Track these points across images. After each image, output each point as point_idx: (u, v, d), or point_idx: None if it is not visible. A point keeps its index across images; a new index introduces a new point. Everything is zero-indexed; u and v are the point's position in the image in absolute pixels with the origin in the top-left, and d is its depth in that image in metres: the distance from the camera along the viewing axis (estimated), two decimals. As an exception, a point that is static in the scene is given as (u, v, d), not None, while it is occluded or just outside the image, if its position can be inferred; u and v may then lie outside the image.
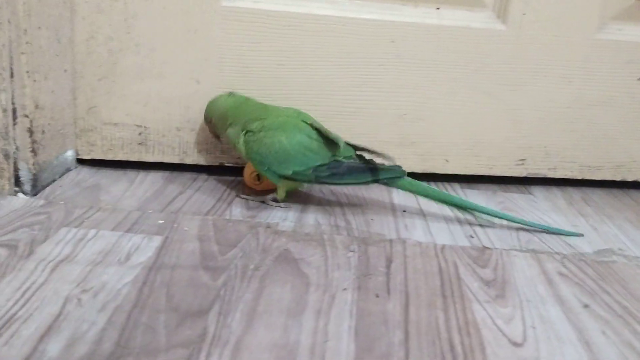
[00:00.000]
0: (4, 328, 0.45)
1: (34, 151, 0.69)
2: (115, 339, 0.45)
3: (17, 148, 0.67)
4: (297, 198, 0.77)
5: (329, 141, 0.70)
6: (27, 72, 0.66)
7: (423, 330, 0.49)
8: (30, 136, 0.68)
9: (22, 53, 0.65)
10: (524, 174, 0.88)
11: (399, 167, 0.72)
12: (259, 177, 0.77)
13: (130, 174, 0.81)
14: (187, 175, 0.83)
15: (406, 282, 0.57)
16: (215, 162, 0.84)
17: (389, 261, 0.61)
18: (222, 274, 0.56)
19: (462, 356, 0.46)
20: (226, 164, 0.84)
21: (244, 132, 0.70)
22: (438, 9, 0.81)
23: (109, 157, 0.81)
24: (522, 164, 0.88)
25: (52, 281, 0.52)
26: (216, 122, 0.74)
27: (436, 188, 0.79)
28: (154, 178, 0.81)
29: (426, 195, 0.73)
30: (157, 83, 0.78)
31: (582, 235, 0.71)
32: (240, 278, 0.55)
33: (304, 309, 0.51)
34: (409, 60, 0.81)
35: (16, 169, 0.68)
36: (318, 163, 0.69)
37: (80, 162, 0.82)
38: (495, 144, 0.86)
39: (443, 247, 0.66)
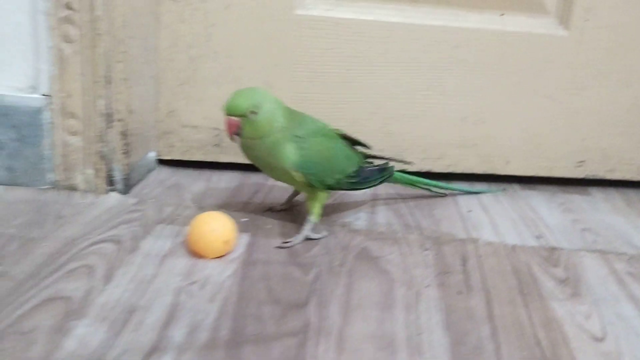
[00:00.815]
0: (129, 315, 0.49)
1: (125, 152, 0.74)
2: (230, 328, 0.49)
3: (111, 150, 0.72)
4: (364, 191, 0.81)
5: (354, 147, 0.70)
6: (123, 79, 0.70)
7: (509, 325, 0.52)
8: (123, 139, 0.73)
9: (119, 61, 0.69)
10: (582, 176, 0.91)
11: (387, 163, 0.74)
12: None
13: (206, 173, 0.86)
14: (260, 176, 0.87)
15: (484, 281, 0.60)
16: (284, 163, 0.88)
17: (464, 260, 0.65)
18: (310, 269, 0.60)
19: (549, 350, 0.49)
20: (295, 165, 0.88)
21: (292, 137, 0.61)
22: (502, 15, 0.84)
23: (186, 157, 0.86)
24: (581, 166, 0.90)
25: (161, 274, 0.57)
26: (260, 120, 0.59)
27: (415, 177, 0.79)
28: (229, 178, 0.85)
29: (412, 183, 0.79)
30: (233, 87, 0.82)
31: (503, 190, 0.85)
32: (328, 274, 0.59)
33: (393, 303, 0.55)
34: (473, 64, 0.84)
35: (110, 170, 0.73)
36: (353, 169, 0.68)
37: (160, 162, 0.87)
38: (555, 146, 0.89)
39: (513, 247, 0.69)
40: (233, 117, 0.59)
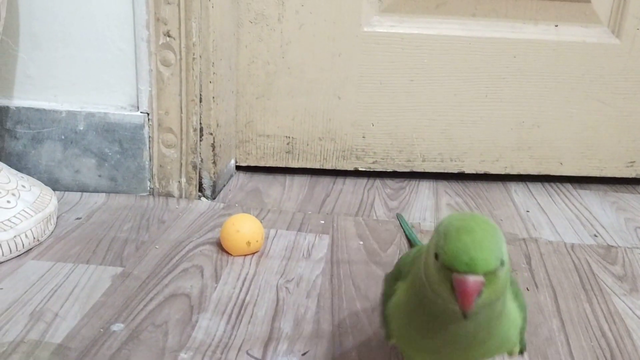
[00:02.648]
0: (243, 309, 0.57)
1: (214, 162, 0.82)
2: (329, 321, 0.56)
3: (202, 160, 0.80)
4: (427, 195, 0.88)
5: None
6: (213, 97, 0.78)
7: (575, 319, 0.58)
8: (213, 150, 0.81)
9: (210, 82, 0.77)
10: (633, 175, 0.95)
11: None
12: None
13: (280, 178, 0.94)
14: (327, 179, 0.94)
15: (549, 278, 0.66)
16: (350, 167, 0.95)
17: (528, 258, 0.71)
18: (390, 269, 0.67)
19: (614, 341, 0.55)
20: (360, 169, 0.95)
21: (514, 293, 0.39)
22: (556, 26, 0.89)
23: (262, 164, 0.94)
24: (632, 166, 0.95)
25: (260, 273, 0.64)
26: (505, 272, 0.35)
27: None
28: (301, 182, 0.93)
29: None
30: (304, 99, 0.90)
31: None
32: (407, 272, 0.66)
33: (468, 298, 0.61)
34: (529, 73, 0.89)
35: (200, 178, 0.81)
36: None
37: (237, 168, 0.95)
38: (607, 148, 0.93)
39: (572, 245, 0.74)
40: (475, 277, 0.32)
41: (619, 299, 0.62)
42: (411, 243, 0.73)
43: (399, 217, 0.80)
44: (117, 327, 0.54)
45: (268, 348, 0.52)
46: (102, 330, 0.53)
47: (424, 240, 0.73)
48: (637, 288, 0.65)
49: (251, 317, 0.56)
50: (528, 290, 0.63)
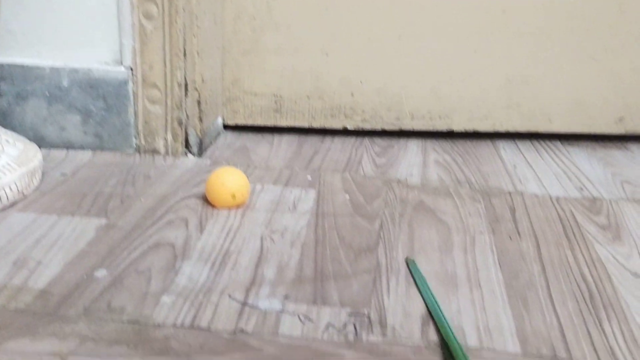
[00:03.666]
0: (226, 258, 0.58)
1: (200, 119, 0.81)
2: (312, 267, 0.57)
3: (187, 117, 0.80)
4: (415, 152, 0.88)
5: None
6: (197, 52, 0.77)
7: (556, 264, 0.59)
8: (198, 106, 0.80)
9: (194, 36, 0.76)
10: (622, 132, 0.95)
11: None
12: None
13: (268, 137, 0.93)
14: (316, 138, 0.94)
15: (532, 227, 0.66)
16: (339, 126, 0.94)
17: (513, 210, 0.71)
18: (375, 219, 0.67)
19: (594, 285, 0.55)
20: (348, 128, 0.94)
21: None
22: (546, -20, 0.87)
23: (249, 122, 0.93)
24: (621, 122, 0.94)
25: (245, 224, 0.65)
26: None
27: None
28: (289, 140, 0.92)
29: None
30: (292, 57, 0.89)
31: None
32: (391, 223, 0.66)
33: (451, 247, 0.62)
34: (518, 28, 0.89)
35: (186, 134, 0.81)
36: None
37: (225, 127, 0.94)
38: (596, 104, 0.93)
39: (558, 198, 0.75)
40: None
41: (601, 247, 0.63)
42: (430, 311, 0.51)
43: (409, 263, 0.58)
44: (101, 273, 0.54)
45: (250, 292, 0.52)
46: (85, 276, 0.53)
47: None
48: (620, 236, 0.65)
49: (235, 264, 0.57)
50: (511, 239, 0.64)
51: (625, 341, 0.47)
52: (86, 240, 0.60)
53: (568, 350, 0.46)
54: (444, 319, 0.50)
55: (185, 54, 0.77)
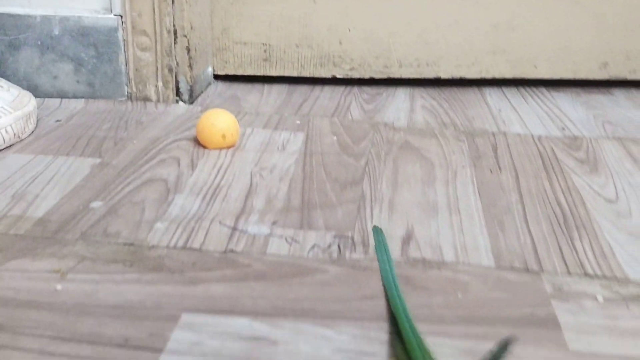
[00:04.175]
0: (217, 192, 0.60)
1: (190, 66, 0.83)
2: (299, 198, 0.59)
3: (177, 63, 0.81)
4: (403, 99, 0.89)
5: None
6: (185, -2, 0.79)
7: (534, 192, 0.61)
8: (188, 53, 0.82)
9: (182, -18, 0.77)
10: (606, 77, 0.97)
11: None
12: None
13: (258, 86, 0.95)
14: (305, 87, 0.96)
15: (513, 162, 0.69)
16: (328, 75, 0.96)
17: (495, 147, 0.73)
18: (361, 157, 0.69)
19: (568, 209, 0.58)
20: (337, 76, 0.96)
21: None
22: None
23: (239, 72, 0.95)
24: (605, 68, 0.96)
25: (235, 163, 0.67)
26: None
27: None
28: (279, 89, 0.94)
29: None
30: (280, 4, 0.90)
31: None
32: (377, 160, 0.69)
33: (434, 180, 0.64)
34: (503, -26, 0.90)
35: (177, 82, 0.82)
36: None
37: (215, 77, 0.96)
38: (580, 50, 0.95)
39: (540, 136, 0.77)
40: None
41: (578, 177, 0.65)
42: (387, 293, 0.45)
43: (375, 231, 0.53)
44: (96, 204, 0.56)
45: (240, 219, 0.55)
46: (81, 207, 0.56)
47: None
48: (597, 169, 0.68)
49: (225, 196, 0.59)
50: (491, 172, 0.66)
51: (594, 256, 0.50)
52: (81, 176, 0.62)
53: (539, 263, 0.49)
54: (398, 292, 0.44)
55: (173, 1, 0.78)
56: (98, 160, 0.65)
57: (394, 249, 0.51)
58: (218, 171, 0.65)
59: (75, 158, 0.66)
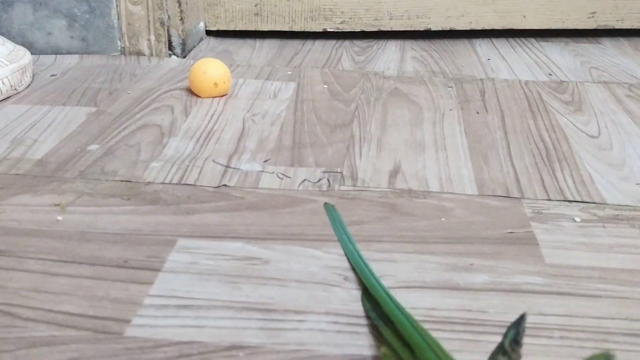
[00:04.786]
0: (210, 135, 0.62)
1: (182, 19, 0.84)
2: (290, 139, 0.61)
3: (169, 17, 0.82)
4: (394, 51, 0.91)
5: None
6: (175, -50, 0.79)
7: (518, 131, 0.63)
8: (179, 6, 0.82)
9: None
10: (594, 26, 0.98)
11: None
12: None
13: (250, 41, 0.96)
14: (297, 41, 0.96)
15: (500, 104, 0.70)
16: (319, 29, 0.97)
17: (482, 92, 0.75)
18: (351, 103, 0.71)
19: (551, 144, 0.60)
20: (328, 30, 0.97)
21: None
22: None
23: (231, 27, 0.95)
24: (593, 17, 0.97)
25: (228, 110, 0.68)
26: None
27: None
28: (270, 44, 0.95)
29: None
30: (270, -42, 0.91)
31: None
32: (366, 105, 0.70)
33: (422, 121, 0.66)
34: None
35: (169, 35, 0.83)
36: None
37: (207, 33, 0.97)
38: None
39: (527, 82, 0.78)
40: None
41: (562, 117, 0.67)
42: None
43: (328, 209, 0.48)
44: (93, 147, 0.58)
45: (232, 158, 0.57)
46: (79, 150, 0.57)
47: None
48: (581, 109, 0.69)
49: (218, 139, 0.61)
50: (478, 113, 0.68)
51: (574, 183, 0.52)
52: (78, 123, 0.63)
53: (521, 191, 0.51)
54: (362, 261, 0.41)
55: (163, -47, 0.78)
56: (94, 109, 0.67)
57: (382, 182, 0.53)
58: (211, 117, 0.66)
59: (71, 107, 0.67)
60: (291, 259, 0.42)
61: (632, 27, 0.98)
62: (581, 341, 0.35)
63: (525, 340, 0.34)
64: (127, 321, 0.36)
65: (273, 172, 0.54)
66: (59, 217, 0.46)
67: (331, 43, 0.96)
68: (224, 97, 0.72)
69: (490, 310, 0.37)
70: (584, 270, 0.41)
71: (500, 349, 0.26)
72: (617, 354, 0.17)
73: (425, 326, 0.36)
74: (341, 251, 0.43)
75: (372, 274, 0.39)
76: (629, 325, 0.36)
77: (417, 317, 0.36)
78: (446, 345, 0.33)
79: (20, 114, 0.65)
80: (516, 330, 0.27)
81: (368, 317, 0.37)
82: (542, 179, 0.53)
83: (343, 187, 0.52)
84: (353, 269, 0.41)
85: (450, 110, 0.69)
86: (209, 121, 0.65)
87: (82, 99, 0.70)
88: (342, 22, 0.96)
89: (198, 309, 0.37)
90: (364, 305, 0.38)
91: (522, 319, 0.27)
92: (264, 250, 0.43)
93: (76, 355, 0.33)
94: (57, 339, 0.34)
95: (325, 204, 0.49)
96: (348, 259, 0.42)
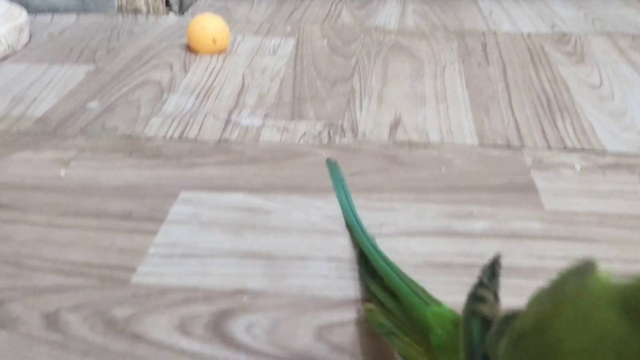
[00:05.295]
0: (209, 91, 0.61)
1: (178, -24, 0.82)
2: (291, 94, 0.61)
3: (165, -27, 0.81)
4: (394, 5, 0.89)
5: None
6: None
7: (520, 82, 0.63)
8: (175, -38, 0.81)
9: None
10: (599, -23, 0.96)
11: None
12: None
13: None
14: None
15: (501, 56, 0.70)
16: (318, -16, 0.95)
17: (484, 45, 0.74)
18: (352, 57, 0.70)
19: (552, 95, 0.60)
20: (328, -15, 0.95)
21: None
22: None
23: (229, -16, 0.94)
24: (598, -33, 0.95)
25: (227, 66, 0.68)
26: None
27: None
28: (269, 0, 0.94)
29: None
30: None
31: None
32: (367, 59, 0.70)
33: (422, 75, 0.65)
34: None
35: (166, -8, 0.82)
36: None
37: (205, -10, 0.95)
38: (573, -51, 0.93)
39: (529, 34, 0.77)
40: None
41: (564, 67, 0.66)
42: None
43: (330, 165, 0.48)
44: (93, 104, 0.58)
45: (233, 113, 0.57)
46: (79, 107, 0.57)
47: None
48: (583, 60, 0.69)
49: (218, 95, 0.61)
50: (480, 66, 0.67)
51: (575, 133, 0.52)
52: (77, 81, 0.63)
53: (521, 140, 0.51)
54: (358, 222, 0.40)
55: None
56: (92, 67, 0.67)
57: (382, 135, 0.53)
58: (210, 73, 0.66)
59: (70, 66, 0.67)
60: (292, 209, 0.42)
61: (638, -22, 0.96)
62: (578, 282, 0.35)
63: (524, 282, 0.35)
64: (133, 269, 0.36)
65: (273, 127, 0.54)
66: (62, 172, 0.46)
67: (331, -2, 0.95)
68: (223, 53, 0.71)
69: (488, 254, 0.38)
70: (583, 216, 0.41)
71: (479, 283, 0.26)
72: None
73: (425, 271, 0.36)
74: (342, 201, 0.43)
75: (363, 232, 0.39)
76: (626, 267, 0.36)
77: (416, 263, 0.37)
78: (445, 289, 0.34)
79: (19, 73, 0.65)
80: (492, 267, 0.27)
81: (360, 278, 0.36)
82: (542, 128, 0.53)
83: (344, 140, 0.52)
84: (347, 227, 0.41)
85: (452, 63, 0.68)
86: (209, 77, 0.65)
87: (80, 58, 0.69)
88: (341, -23, 0.94)
89: (202, 257, 0.38)
90: (359, 270, 0.37)
91: (497, 258, 0.28)
92: (265, 201, 0.43)
93: (84, 301, 0.34)
94: (64, 286, 0.35)
95: (328, 159, 0.48)
96: (344, 216, 0.42)
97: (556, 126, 0.53)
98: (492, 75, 0.65)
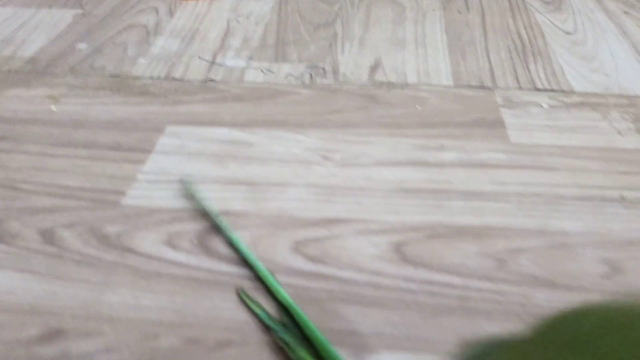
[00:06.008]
0: (195, 34, 0.63)
1: None
2: (274, 38, 0.62)
3: None
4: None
5: None
6: None
7: (497, 28, 0.65)
8: None
9: None
10: None
11: None
12: None
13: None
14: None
15: (481, 4, 0.71)
16: None
17: (466, -7, 0.75)
18: (335, 4, 0.72)
19: (528, 40, 0.62)
20: None
21: None
22: None
23: None
24: None
25: (212, 11, 0.69)
26: None
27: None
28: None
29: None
30: None
31: None
32: (350, 6, 0.71)
33: (404, 20, 0.67)
34: None
35: (152, -62, 0.82)
36: None
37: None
38: None
39: (510, -18, 0.79)
40: None
41: (541, 15, 0.68)
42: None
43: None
44: (82, 45, 0.59)
45: (218, 55, 0.58)
46: (68, 48, 0.59)
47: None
48: (560, 8, 0.70)
49: (203, 38, 0.62)
50: (460, 13, 0.69)
51: (546, 74, 0.55)
52: (65, 24, 0.64)
53: (494, 81, 0.53)
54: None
55: None
56: (80, 11, 0.68)
57: (362, 76, 0.55)
58: (196, 18, 0.67)
59: (57, 9, 0.68)
60: (274, 142, 0.45)
61: None
62: (535, 204, 0.38)
63: (485, 204, 0.38)
64: (123, 193, 0.39)
65: (257, 68, 0.56)
66: (53, 107, 0.48)
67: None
68: (209, 1, 0.72)
69: (455, 181, 0.40)
70: (546, 148, 0.44)
71: None
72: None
73: (396, 195, 0.39)
74: (323, 135, 0.46)
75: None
76: (579, 192, 0.39)
77: (388, 189, 0.40)
78: (413, 210, 0.37)
79: (7, 17, 0.66)
80: None
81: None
82: (515, 71, 0.55)
83: (325, 81, 0.54)
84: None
85: (433, 10, 0.70)
86: (194, 22, 0.66)
87: (67, 1, 0.70)
88: None
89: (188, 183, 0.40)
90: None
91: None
92: (248, 135, 0.46)
93: (77, 220, 0.36)
94: (59, 207, 0.38)
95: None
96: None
97: (528, 69, 0.56)
98: (471, 22, 0.67)
